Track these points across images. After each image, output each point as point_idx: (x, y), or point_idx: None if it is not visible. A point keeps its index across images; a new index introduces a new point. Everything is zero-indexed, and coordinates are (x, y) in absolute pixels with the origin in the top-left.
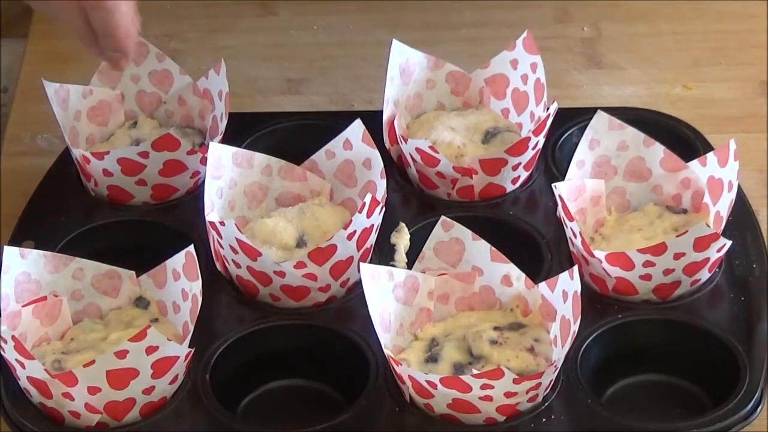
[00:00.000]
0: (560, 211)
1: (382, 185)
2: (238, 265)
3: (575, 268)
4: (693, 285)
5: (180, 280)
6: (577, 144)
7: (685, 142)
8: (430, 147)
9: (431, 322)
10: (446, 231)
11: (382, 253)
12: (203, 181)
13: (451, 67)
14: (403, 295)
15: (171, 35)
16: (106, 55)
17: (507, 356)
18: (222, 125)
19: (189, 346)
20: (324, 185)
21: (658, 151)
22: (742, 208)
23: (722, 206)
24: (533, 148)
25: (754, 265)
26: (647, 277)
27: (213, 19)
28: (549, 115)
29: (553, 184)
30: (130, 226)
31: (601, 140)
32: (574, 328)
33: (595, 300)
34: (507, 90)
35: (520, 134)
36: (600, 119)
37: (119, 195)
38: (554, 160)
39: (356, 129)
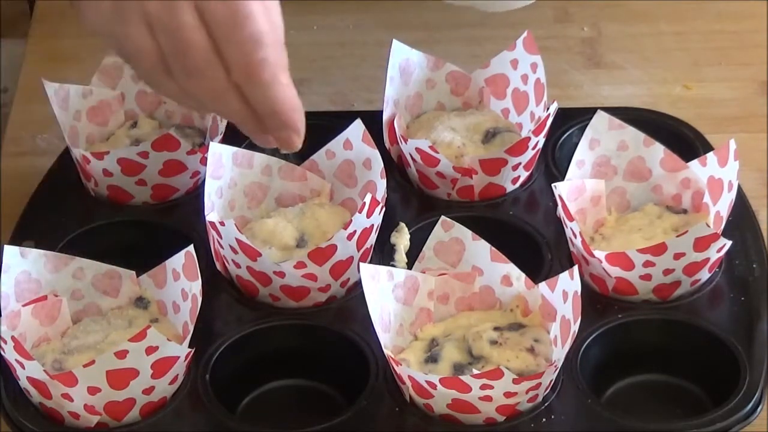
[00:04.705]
0: (560, 211)
1: (382, 185)
2: (238, 265)
3: (575, 268)
4: (693, 285)
5: (180, 280)
6: (577, 144)
7: (685, 142)
8: (430, 147)
9: (431, 322)
10: (446, 231)
11: (382, 253)
12: (203, 181)
13: (451, 67)
14: (403, 295)
15: None
16: (276, 136)
17: (507, 356)
18: (222, 125)
19: (189, 346)
20: (324, 185)
21: (658, 151)
22: (742, 208)
23: (722, 206)
24: (533, 148)
25: (754, 265)
26: (647, 277)
27: None
28: (549, 115)
29: (553, 184)
30: (130, 226)
31: (601, 140)
32: (574, 328)
33: (595, 300)
34: (507, 90)
35: (520, 134)
36: (600, 119)
37: (119, 195)
38: (554, 160)
39: (356, 129)
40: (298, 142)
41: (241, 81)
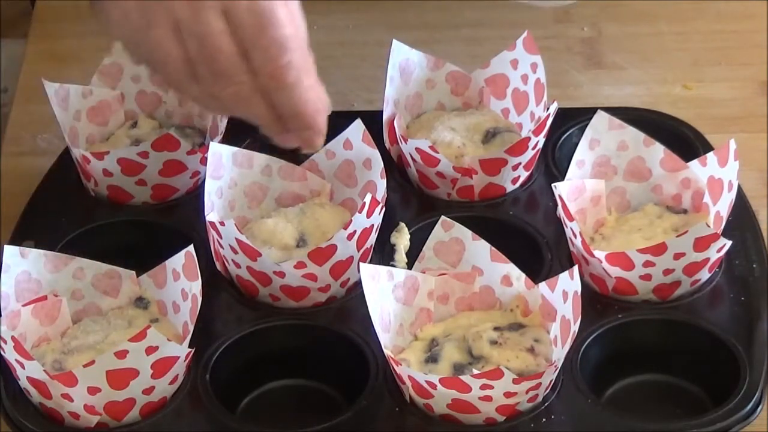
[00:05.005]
0: (560, 211)
1: (382, 185)
2: (238, 265)
3: (575, 268)
4: (693, 285)
5: (180, 280)
6: (577, 144)
7: (685, 142)
8: (430, 147)
9: (431, 322)
10: (446, 231)
11: (382, 253)
12: (203, 181)
13: (451, 67)
14: (403, 295)
15: None
16: (299, 137)
17: (507, 356)
18: (222, 125)
19: (189, 346)
20: (324, 185)
21: (658, 151)
22: (742, 208)
23: (722, 206)
24: (533, 148)
25: (754, 265)
26: (647, 277)
27: None
28: (549, 115)
29: (553, 184)
30: (130, 226)
31: (601, 140)
32: (574, 328)
33: (595, 300)
34: (507, 90)
35: (520, 134)
36: (600, 119)
37: (119, 195)
38: (554, 160)
39: (356, 129)
40: (320, 142)
41: (267, 85)
